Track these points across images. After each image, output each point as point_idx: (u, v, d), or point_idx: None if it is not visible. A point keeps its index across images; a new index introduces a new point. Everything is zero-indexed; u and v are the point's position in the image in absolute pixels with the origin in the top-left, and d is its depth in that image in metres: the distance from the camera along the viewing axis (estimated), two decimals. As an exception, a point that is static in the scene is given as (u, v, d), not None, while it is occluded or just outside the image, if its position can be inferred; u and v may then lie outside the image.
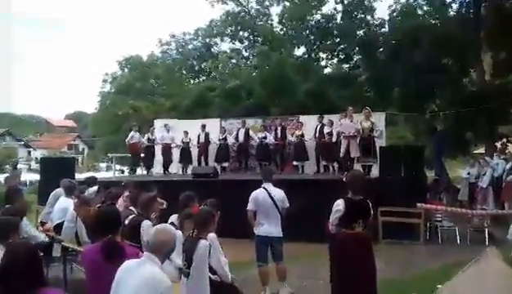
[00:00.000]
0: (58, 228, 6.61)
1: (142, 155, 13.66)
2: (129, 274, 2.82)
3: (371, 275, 4.43)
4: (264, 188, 6.01)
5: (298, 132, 12.77)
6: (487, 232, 9.45)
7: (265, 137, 13.09)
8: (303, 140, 12.60)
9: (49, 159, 16.86)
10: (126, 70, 33.75)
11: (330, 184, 9.64)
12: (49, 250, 5.92)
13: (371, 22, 23.64)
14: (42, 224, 7.71)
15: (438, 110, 18.60)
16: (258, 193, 5.99)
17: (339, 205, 4.44)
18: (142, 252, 4.08)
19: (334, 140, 11.91)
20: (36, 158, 40.22)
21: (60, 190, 7.73)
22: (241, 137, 13.37)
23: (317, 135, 12.32)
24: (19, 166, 20.62)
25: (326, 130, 12.19)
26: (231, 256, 4.61)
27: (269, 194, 5.93)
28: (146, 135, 13.68)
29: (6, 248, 2.64)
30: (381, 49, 21.38)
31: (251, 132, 13.41)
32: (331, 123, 12.20)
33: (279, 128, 13.21)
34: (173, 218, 4.96)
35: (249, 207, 5.97)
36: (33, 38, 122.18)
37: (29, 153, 49.52)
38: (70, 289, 5.10)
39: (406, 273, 7.24)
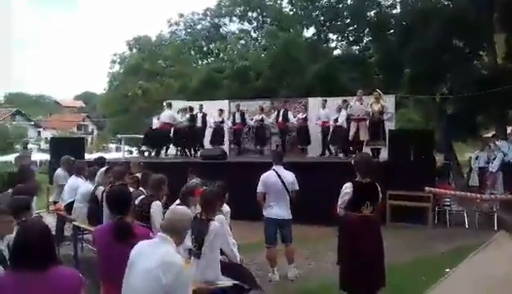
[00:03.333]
0: (69, 207, 6.71)
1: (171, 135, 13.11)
2: (143, 256, 2.83)
3: (380, 258, 4.44)
4: (274, 170, 6.00)
5: (301, 116, 12.80)
6: (495, 216, 9.42)
7: (262, 120, 13.17)
8: (305, 124, 12.67)
9: (59, 139, 16.95)
10: (134, 50, 33.70)
11: (336, 166, 9.64)
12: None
13: (382, 3, 23.23)
14: (54, 203, 7.83)
15: (449, 93, 18.38)
16: (268, 176, 5.99)
17: (348, 188, 4.42)
18: (152, 233, 4.15)
19: (339, 124, 11.73)
20: (46, 138, 40.58)
21: (60, 170, 7.84)
22: (238, 120, 13.41)
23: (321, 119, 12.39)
24: (29, 146, 20.82)
25: (334, 115, 12.08)
26: (239, 238, 4.65)
27: (279, 177, 5.92)
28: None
29: (19, 226, 2.67)
30: (392, 31, 21.05)
31: (246, 116, 13.45)
32: (339, 109, 12.00)
33: (281, 111, 13.14)
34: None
35: (259, 189, 5.97)
36: (43, 19, 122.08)
37: (39, 133, 49.97)
38: (81, 267, 5.18)
39: (414, 257, 7.24)
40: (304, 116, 12.73)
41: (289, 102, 14.11)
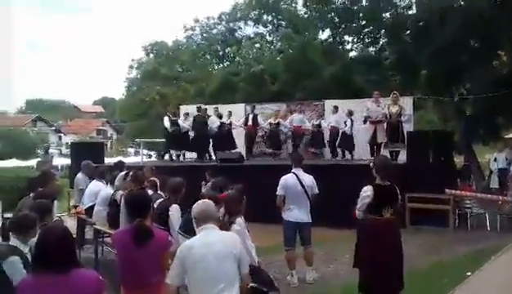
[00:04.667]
0: (89, 211, 6.81)
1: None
2: (206, 246, 3.04)
3: (399, 261, 4.41)
4: (294, 173, 6.00)
5: (315, 122, 12.83)
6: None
7: (278, 124, 13.09)
8: (320, 129, 12.65)
9: (79, 144, 17.22)
10: (151, 56, 34.04)
11: (354, 169, 9.60)
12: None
13: (398, 4, 23.00)
14: (75, 207, 7.95)
15: (467, 94, 18.09)
16: (287, 178, 5.98)
17: (368, 191, 4.39)
18: (171, 235, 4.18)
19: (348, 131, 11.97)
20: (66, 143, 41.25)
21: (80, 174, 7.96)
22: (250, 123, 13.29)
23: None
24: (50, 150, 21.16)
25: (344, 120, 12.21)
26: (257, 241, 4.65)
27: (299, 180, 5.92)
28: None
29: (41, 230, 2.72)
30: (408, 31, 20.83)
31: (259, 118, 13.37)
32: (350, 113, 12.15)
33: (294, 115, 13.19)
34: None
35: (279, 191, 5.97)
36: (61, 26, 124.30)
37: (60, 138, 50.84)
38: (102, 270, 5.25)
39: (434, 260, 7.15)
40: (318, 122, 12.77)
41: (304, 105, 14.08)
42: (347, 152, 12.22)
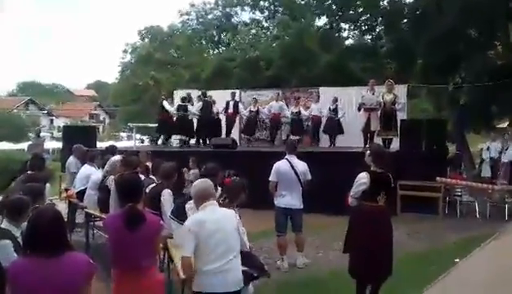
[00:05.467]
0: (80, 195, 6.79)
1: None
2: (218, 221, 3.33)
3: (389, 247, 4.46)
4: (287, 159, 6.02)
5: (294, 109, 12.97)
6: (507, 207, 9.35)
7: (257, 111, 13.24)
8: (299, 116, 12.89)
9: (71, 128, 17.16)
10: (146, 40, 33.73)
11: (346, 156, 9.63)
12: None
13: (396, -9, 22.89)
14: (66, 190, 7.94)
15: (462, 83, 18.12)
16: (280, 165, 6.01)
17: (364, 178, 4.40)
18: (162, 220, 4.19)
19: (333, 115, 12.33)
20: (58, 127, 40.99)
21: (72, 158, 7.94)
22: (231, 110, 13.28)
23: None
24: (42, 134, 21.04)
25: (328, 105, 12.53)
26: (248, 226, 4.67)
27: (292, 166, 5.94)
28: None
29: (32, 213, 2.72)
30: (405, 20, 20.75)
31: (240, 106, 13.41)
32: (335, 100, 12.50)
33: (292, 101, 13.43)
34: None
35: (271, 177, 6.00)
36: (56, 9, 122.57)
37: (52, 121, 50.46)
38: (92, 254, 5.26)
39: (424, 247, 7.24)
40: (297, 109, 12.92)
41: (300, 92, 14.07)
42: (336, 137, 12.49)
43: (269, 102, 13.65)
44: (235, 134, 13.38)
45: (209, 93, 13.65)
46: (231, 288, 3.30)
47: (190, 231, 3.25)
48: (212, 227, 3.26)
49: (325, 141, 12.88)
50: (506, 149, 12.03)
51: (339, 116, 12.33)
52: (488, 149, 13.19)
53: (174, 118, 12.84)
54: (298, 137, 12.08)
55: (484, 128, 18.34)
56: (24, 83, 63.93)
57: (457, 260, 6.28)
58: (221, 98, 13.61)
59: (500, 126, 19.11)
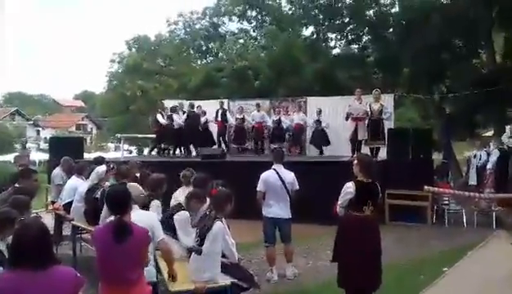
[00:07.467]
0: (67, 207, 6.70)
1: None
2: None
3: (378, 257, 4.46)
4: (274, 169, 6.01)
5: (275, 118, 13.25)
6: (494, 215, 9.44)
7: (243, 119, 13.42)
8: (279, 125, 13.12)
9: (58, 139, 16.91)
10: (133, 50, 33.68)
11: (333, 166, 9.66)
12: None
13: (381, 1, 23.17)
14: (52, 203, 7.82)
15: (448, 92, 18.37)
16: (268, 175, 5.99)
17: (350, 187, 4.41)
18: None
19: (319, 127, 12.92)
20: (45, 138, 40.51)
21: (57, 170, 7.85)
22: (219, 119, 13.45)
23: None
24: (28, 145, 20.78)
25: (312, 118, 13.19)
26: (237, 237, 4.65)
27: (279, 176, 5.93)
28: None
29: (18, 225, 2.68)
30: (391, 30, 21.03)
31: (228, 115, 13.58)
32: (320, 111, 13.07)
33: (281, 110, 13.64)
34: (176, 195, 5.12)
35: (259, 187, 5.98)
36: (42, 19, 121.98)
37: (38, 132, 49.88)
38: (80, 267, 5.18)
39: (412, 256, 7.26)
40: (277, 118, 13.19)
41: (287, 102, 14.18)
42: (323, 147, 12.96)
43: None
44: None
45: (198, 103, 13.67)
46: None
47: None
48: None
49: (312, 150, 13.11)
50: (492, 157, 12.15)
51: (322, 126, 12.77)
52: (475, 156, 13.32)
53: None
54: (277, 145, 12.26)
55: (470, 137, 18.60)
56: (10, 94, 63.22)
57: (445, 269, 6.31)
58: (210, 107, 13.66)
59: (486, 134, 19.38)
